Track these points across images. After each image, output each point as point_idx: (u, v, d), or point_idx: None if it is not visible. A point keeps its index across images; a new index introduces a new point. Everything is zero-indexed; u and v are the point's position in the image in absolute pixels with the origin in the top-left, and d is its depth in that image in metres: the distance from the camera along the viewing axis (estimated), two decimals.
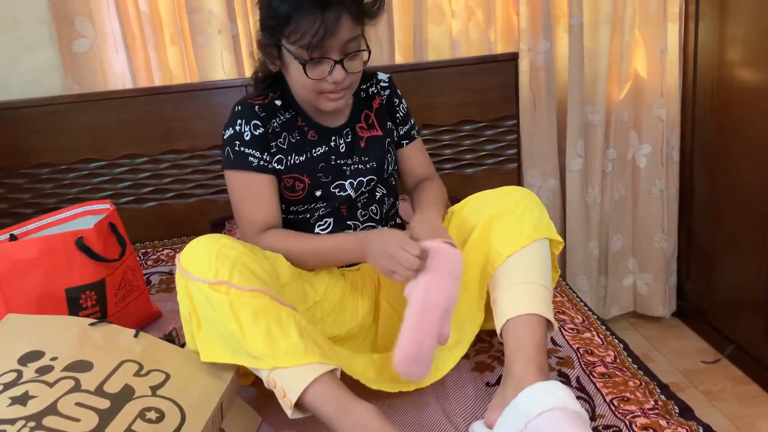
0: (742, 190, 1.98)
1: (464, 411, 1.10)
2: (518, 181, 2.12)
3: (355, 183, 1.26)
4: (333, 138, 1.27)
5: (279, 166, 1.23)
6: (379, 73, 1.36)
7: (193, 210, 2.03)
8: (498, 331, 1.09)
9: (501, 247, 1.10)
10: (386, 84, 1.35)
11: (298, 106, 1.27)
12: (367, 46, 1.18)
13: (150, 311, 1.50)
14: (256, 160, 1.21)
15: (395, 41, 2.06)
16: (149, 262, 1.87)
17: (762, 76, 1.84)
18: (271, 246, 1.17)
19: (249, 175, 1.21)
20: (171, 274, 1.78)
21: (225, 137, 1.23)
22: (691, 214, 2.28)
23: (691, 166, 2.24)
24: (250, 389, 1.17)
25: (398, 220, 1.38)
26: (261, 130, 1.22)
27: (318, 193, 1.24)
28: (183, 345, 1.13)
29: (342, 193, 1.25)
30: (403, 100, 1.37)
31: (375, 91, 1.33)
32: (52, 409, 0.87)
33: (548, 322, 1.07)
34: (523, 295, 1.07)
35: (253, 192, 1.22)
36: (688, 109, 2.20)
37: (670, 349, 2.20)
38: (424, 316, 1.01)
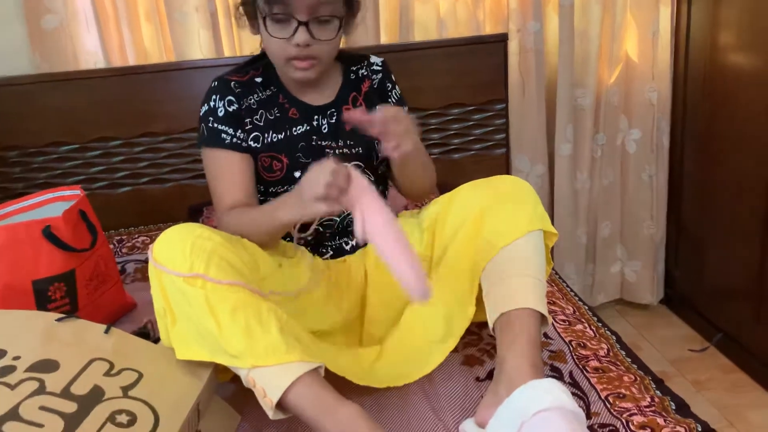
0: (733, 176, 1.95)
1: (453, 407, 1.05)
2: (506, 167, 2.07)
3: None
4: (315, 117, 1.22)
5: (256, 144, 1.19)
6: (372, 56, 1.30)
7: (169, 195, 1.96)
8: (490, 325, 1.04)
9: (494, 239, 1.05)
10: (379, 68, 1.29)
11: (281, 83, 1.22)
12: (342, 17, 1.12)
13: (124, 302, 1.43)
14: (228, 137, 1.18)
15: (380, 21, 1.99)
16: (124, 250, 1.79)
17: (755, 60, 1.80)
18: (229, 222, 1.13)
19: (221, 152, 1.19)
20: (146, 262, 1.68)
21: (201, 113, 1.21)
22: (680, 201, 2.25)
23: (681, 151, 2.21)
24: (228, 386, 1.11)
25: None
26: (235, 106, 1.19)
27: (297, 174, 1.19)
28: (157, 340, 1.07)
29: None
30: (396, 86, 1.31)
31: (365, 73, 1.28)
32: (13, 414, 0.81)
33: (542, 316, 1.03)
34: (516, 289, 1.02)
35: (224, 170, 1.19)
36: (679, 94, 2.16)
37: (658, 337, 2.19)
38: (392, 240, 0.95)
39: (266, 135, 1.20)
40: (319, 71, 1.17)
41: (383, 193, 1.31)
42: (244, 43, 1.97)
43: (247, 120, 1.19)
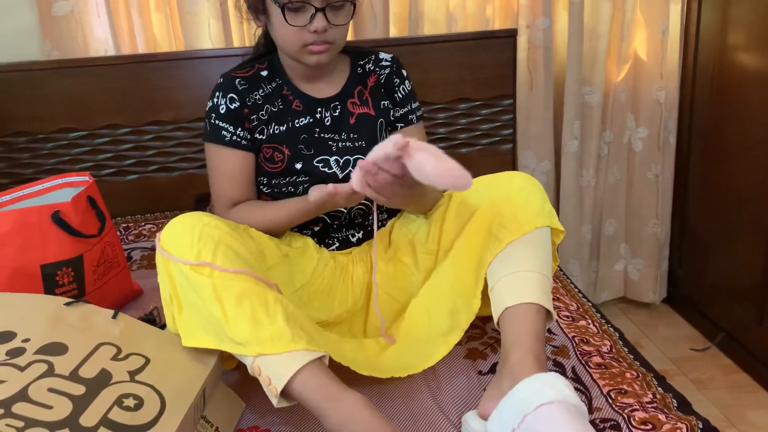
0: (739, 177, 1.95)
1: (456, 400, 1.06)
2: (513, 163, 2.08)
3: (341, 161, 1.21)
4: (319, 110, 1.22)
5: (261, 136, 1.21)
6: (382, 52, 1.31)
7: (176, 184, 1.97)
8: (495, 320, 1.04)
9: (501, 234, 1.05)
10: (387, 63, 1.29)
11: (286, 75, 1.23)
12: (354, 1, 1.14)
13: (130, 289, 1.44)
14: (228, 135, 1.20)
15: (390, 13, 1.99)
16: (130, 237, 1.80)
17: (765, 61, 1.80)
18: (238, 215, 1.17)
19: (221, 149, 1.21)
20: (153, 249, 1.73)
21: (206, 109, 1.23)
22: (685, 200, 2.25)
23: (687, 151, 2.21)
24: (233, 374, 1.13)
25: None
26: (237, 104, 1.20)
27: (298, 166, 1.19)
28: (163, 326, 1.08)
29: (327, 170, 1.20)
30: (407, 82, 1.30)
31: (372, 68, 1.28)
32: (22, 395, 0.82)
33: (547, 312, 1.03)
34: (522, 284, 1.02)
35: (224, 167, 1.22)
36: (687, 93, 2.16)
37: (660, 335, 2.19)
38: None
39: (269, 127, 1.21)
40: (333, 55, 1.18)
41: None
42: (254, 34, 1.97)
43: (253, 117, 1.21)
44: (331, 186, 1.01)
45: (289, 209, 1.17)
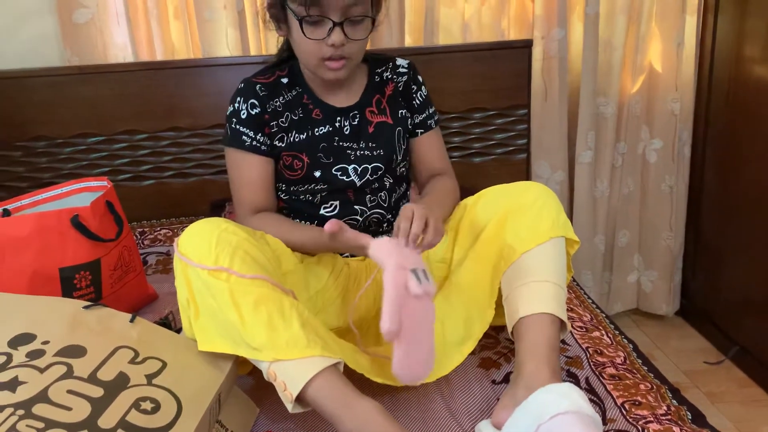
0: (753, 189, 1.94)
1: (469, 409, 1.06)
2: (527, 173, 2.08)
3: (360, 169, 1.21)
4: (338, 119, 1.23)
5: (280, 144, 1.22)
6: (398, 58, 1.31)
7: (192, 190, 1.99)
8: (509, 329, 1.05)
9: (516, 244, 1.05)
10: (405, 70, 1.30)
11: (306, 84, 1.24)
12: (374, 17, 1.15)
13: (146, 293, 1.45)
14: (249, 140, 1.21)
15: (405, 23, 2.00)
16: (146, 242, 1.82)
17: None
18: (258, 226, 1.16)
19: (242, 154, 1.22)
20: (168, 254, 1.74)
21: (227, 113, 1.24)
22: (699, 212, 2.24)
23: (702, 163, 2.20)
24: (247, 379, 1.13)
25: None
26: (257, 110, 1.21)
27: (317, 174, 1.20)
28: (179, 330, 1.09)
29: (345, 178, 1.21)
30: (423, 87, 1.32)
31: (389, 76, 1.29)
32: (42, 397, 0.83)
33: (561, 322, 1.03)
34: (537, 294, 1.03)
35: (244, 172, 1.23)
36: (702, 105, 2.15)
37: (672, 348, 2.18)
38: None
39: (290, 134, 1.22)
40: (350, 70, 1.19)
41: (405, 193, 1.32)
42: (271, 42, 1.99)
43: (273, 123, 1.22)
44: (345, 225, 1.02)
45: (305, 233, 1.17)
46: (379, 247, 0.96)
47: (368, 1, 1.13)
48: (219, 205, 1.90)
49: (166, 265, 1.68)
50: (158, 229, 1.90)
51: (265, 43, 2.00)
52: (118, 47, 1.95)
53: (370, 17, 1.14)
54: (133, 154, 1.95)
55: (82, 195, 1.41)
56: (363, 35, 1.14)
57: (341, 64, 1.14)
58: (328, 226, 1.01)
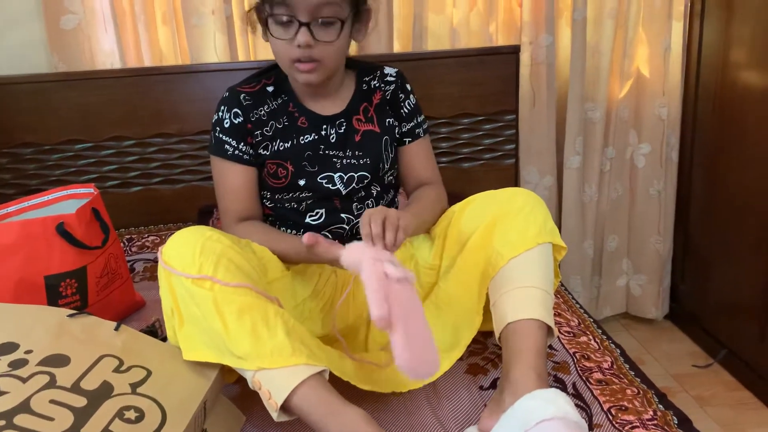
0: (741, 194, 1.95)
1: (456, 415, 1.06)
2: (515, 178, 2.08)
3: (345, 177, 1.21)
4: (324, 127, 1.23)
5: (265, 152, 1.22)
6: (386, 67, 1.31)
7: (180, 196, 1.98)
8: (497, 335, 1.05)
9: (503, 249, 1.05)
10: (392, 79, 1.29)
11: (292, 92, 1.23)
12: (345, 20, 1.12)
13: (133, 300, 1.45)
14: (231, 149, 1.21)
15: (393, 29, 2.01)
16: (133, 249, 1.81)
17: (767, 78, 1.80)
18: (243, 235, 1.16)
19: (225, 162, 1.22)
20: (156, 261, 1.72)
21: (212, 121, 1.24)
22: (687, 217, 2.25)
23: (689, 167, 2.21)
24: (233, 387, 1.13)
25: None
26: (240, 119, 1.21)
27: (302, 183, 1.20)
28: (165, 338, 1.09)
29: (331, 186, 1.21)
30: (412, 96, 1.31)
31: (377, 84, 1.28)
32: (24, 407, 0.82)
33: (549, 328, 1.03)
34: (524, 300, 1.03)
35: (228, 181, 1.23)
36: (689, 110, 2.17)
37: (662, 352, 2.18)
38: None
39: (274, 143, 1.21)
40: (324, 75, 1.17)
41: (392, 200, 1.31)
42: (259, 48, 1.99)
43: (257, 132, 1.21)
44: (321, 238, 1.04)
45: (287, 243, 1.17)
46: (351, 250, 0.99)
47: (342, 4, 1.12)
48: (207, 211, 1.89)
49: (153, 272, 1.67)
50: (146, 235, 1.89)
51: (254, 48, 2.00)
52: (106, 53, 1.94)
53: (340, 20, 1.12)
54: (120, 161, 1.94)
55: (68, 202, 1.40)
56: (332, 38, 1.12)
57: (311, 66, 1.13)
58: (305, 238, 1.03)
